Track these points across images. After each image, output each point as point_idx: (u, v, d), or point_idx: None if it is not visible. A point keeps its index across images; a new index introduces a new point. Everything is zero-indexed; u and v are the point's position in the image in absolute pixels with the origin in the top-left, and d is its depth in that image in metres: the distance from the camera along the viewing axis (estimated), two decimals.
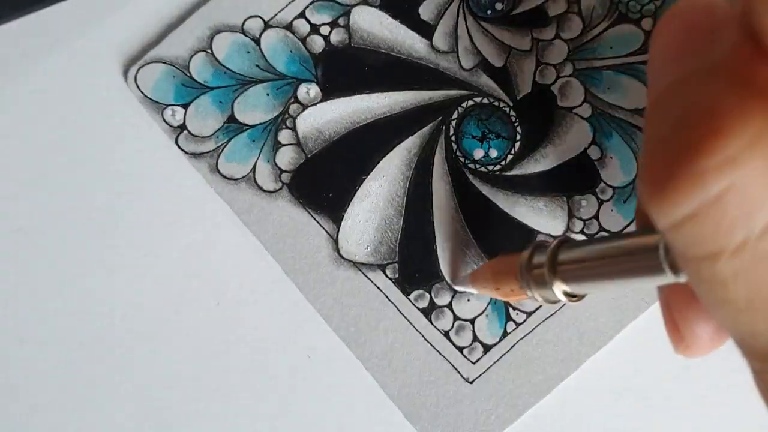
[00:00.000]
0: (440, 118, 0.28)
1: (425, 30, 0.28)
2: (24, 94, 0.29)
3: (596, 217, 0.27)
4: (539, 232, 0.27)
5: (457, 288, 0.27)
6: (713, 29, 0.17)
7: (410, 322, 0.27)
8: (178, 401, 0.28)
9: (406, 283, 0.27)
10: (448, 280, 0.27)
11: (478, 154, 0.28)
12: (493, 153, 0.28)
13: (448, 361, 0.27)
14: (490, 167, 0.28)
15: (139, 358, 0.28)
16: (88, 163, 0.29)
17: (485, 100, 0.28)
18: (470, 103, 0.28)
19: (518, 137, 0.28)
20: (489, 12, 0.28)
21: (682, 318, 0.19)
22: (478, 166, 0.28)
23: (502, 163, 0.27)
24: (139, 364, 0.28)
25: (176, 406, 0.28)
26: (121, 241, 0.28)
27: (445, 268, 0.27)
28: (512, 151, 0.28)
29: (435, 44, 0.28)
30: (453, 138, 0.28)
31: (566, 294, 0.20)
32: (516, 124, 0.28)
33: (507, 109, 0.28)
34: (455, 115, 0.28)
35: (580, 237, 0.27)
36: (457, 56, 0.28)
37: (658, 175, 0.14)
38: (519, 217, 0.27)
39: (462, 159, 0.28)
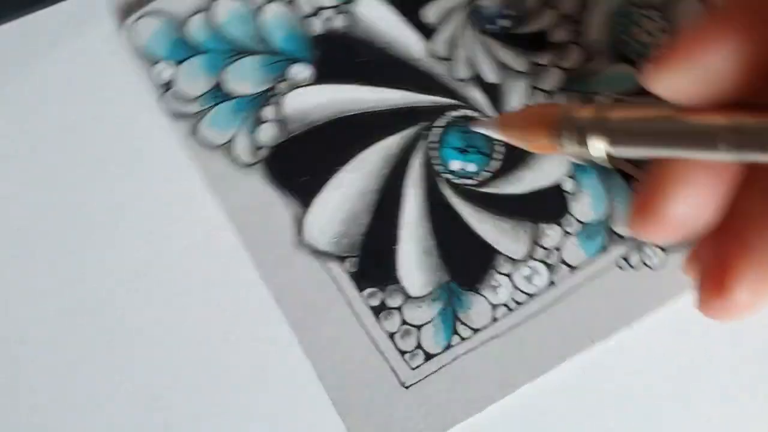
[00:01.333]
0: (425, 123, 0.28)
1: (427, 33, 0.28)
2: (24, 94, 0.29)
3: (558, 248, 0.27)
4: (500, 252, 0.27)
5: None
6: None
7: (358, 318, 0.27)
8: (179, 401, 0.28)
9: (361, 279, 0.27)
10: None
11: (455, 165, 0.28)
12: (471, 167, 0.28)
13: (388, 362, 0.27)
14: (465, 180, 0.28)
15: (140, 357, 0.28)
16: (88, 163, 0.29)
17: (472, 113, 0.28)
18: (457, 113, 0.28)
19: (497, 156, 0.28)
20: (493, 27, 0.28)
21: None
22: (453, 177, 0.28)
23: (477, 178, 0.27)
24: (139, 363, 0.28)
25: (176, 406, 0.28)
26: (121, 240, 0.28)
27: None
28: (489, 169, 0.27)
29: (433, 49, 0.28)
30: (434, 145, 0.28)
31: (607, 155, 0.19)
32: (498, 142, 0.28)
33: None
34: (440, 123, 0.28)
35: (540, 265, 0.27)
36: (453, 65, 0.28)
37: None
38: (482, 234, 0.27)
39: (438, 167, 0.28)
